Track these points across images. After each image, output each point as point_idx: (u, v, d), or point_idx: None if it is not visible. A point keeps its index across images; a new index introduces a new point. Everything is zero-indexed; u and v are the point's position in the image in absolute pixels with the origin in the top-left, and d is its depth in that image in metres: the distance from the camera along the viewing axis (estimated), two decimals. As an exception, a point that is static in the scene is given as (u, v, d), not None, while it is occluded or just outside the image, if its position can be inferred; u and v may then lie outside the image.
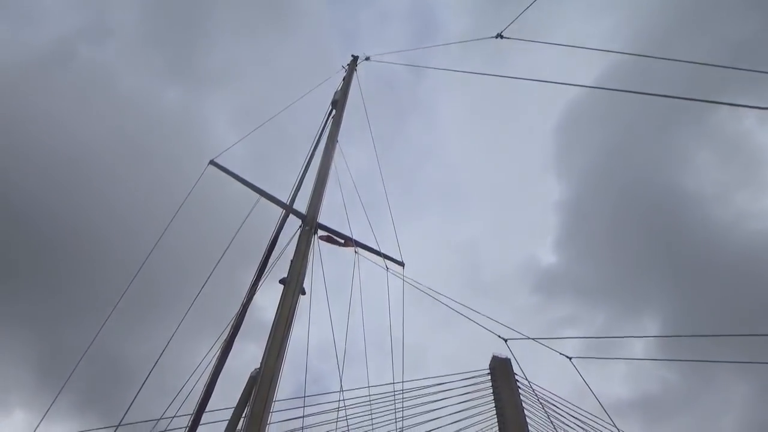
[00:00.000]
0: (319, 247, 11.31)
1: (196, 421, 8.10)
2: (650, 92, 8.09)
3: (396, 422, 9.36)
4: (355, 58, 15.75)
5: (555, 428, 9.90)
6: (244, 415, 8.70)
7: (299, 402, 9.79)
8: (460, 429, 9.87)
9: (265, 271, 10.31)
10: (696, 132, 37.80)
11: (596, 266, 38.08)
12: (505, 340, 8.74)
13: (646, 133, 37.89)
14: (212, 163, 10.92)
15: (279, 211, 11.29)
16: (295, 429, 9.34)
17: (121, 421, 7.64)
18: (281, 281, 10.43)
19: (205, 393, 8.35)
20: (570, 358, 8.78)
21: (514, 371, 10.55)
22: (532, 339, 8.92)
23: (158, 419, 7.92)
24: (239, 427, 8.48)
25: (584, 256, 39.33)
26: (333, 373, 9.82)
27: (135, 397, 7.72)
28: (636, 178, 36.53)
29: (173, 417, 7.90)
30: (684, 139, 37.50)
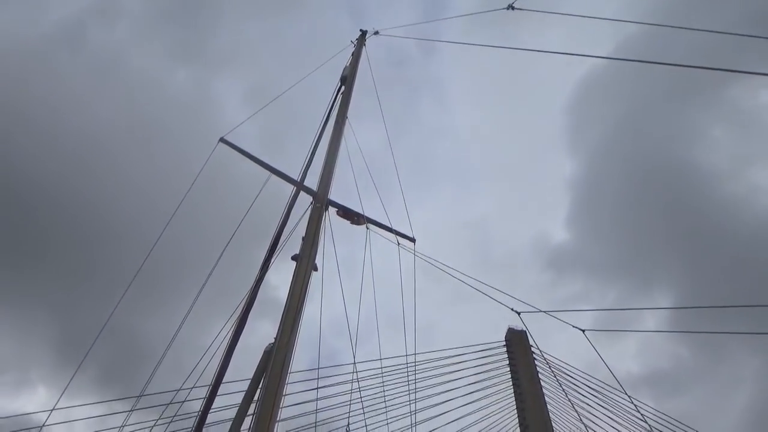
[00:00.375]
0: (330, 224, 11.39)
1: (213, 392, 8.28)
2: (664, 62, 7.98)
3: (409, 393, 9.51)
4: (363, 33, 15.56)
5: (570, 401, 10.01)
6: (260, 387, 8.90)
7: (313, 375, 9.98)
8: (476, 400, 10.02)
9: (277, 248, 10.41)
10: (710, 107, 37.21)
11: (608, 242, 37.97)
12: (518, 313, 8.82)
13: (659, 108, 37.36)
14: (222, 140, 10.96)
15: (290, 189, 11.35)
16: (309, 401, 9.53)
17: (141, 392, 7.85)
18: (293, 258, 10.57)
19: (221, 366, 8.52)
20: (583, 331, 8.84)
21: (530, 344, 10.65)
22: (545, 312, 8.98)
23: (177, 390, 8.11)
24: (255, 398, 8.66)
25: (596, 232, 39.20)
26: (346, 350, 9.98)
27: (154, 369, 7.92)
28: (649, 153, 36.16)
29: (191, 388, 8.09)
30: (698, 113, 36.95)
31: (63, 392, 8.06)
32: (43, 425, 7.61)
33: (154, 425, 8.09)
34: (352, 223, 12.05)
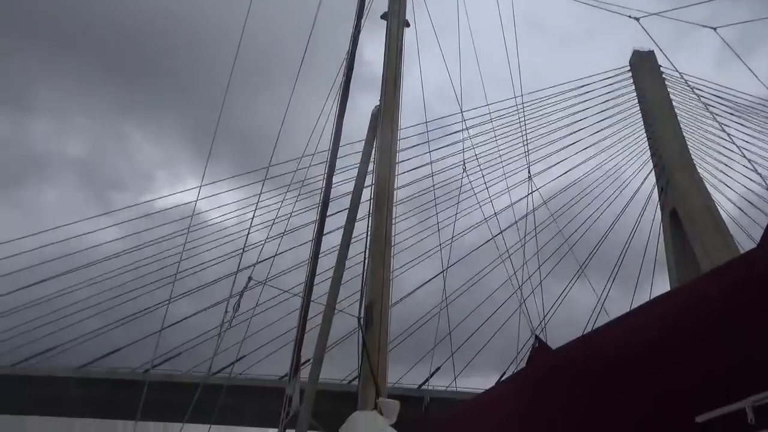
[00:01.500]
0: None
1: (333, 155, 8.73)
2: None
3: (522, 134, 9.37)
4: None
5: (714, 117, 9.20)
6: (374, 147, 9.24)
7: (423, 135, 10.13)
8: (600, 130, 9.62)
9: (365, 9, 9.86)
10: None
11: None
12: (637, 19, 7.82)
13: None
14: None
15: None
16: (423, 153, 9.79)
17: (269, 162, 8.50)
18: (383, 17, 10.06)
19: (335, 131, 8.83)
20: (715, 29, 7.79)
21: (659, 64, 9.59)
22: (661, 14, 7.88)
23: (300, 158, 8.67)
24: (372, 157, 9.04)
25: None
26: (451, 111, 9.78)
27: (276, 141, 8.40)
28: None
29: (313, 154, 8.59)
30: None
31: (204, 169, 8.98)
32: (197, 200, 8.74)
33: (288, 191, 8.89)
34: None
